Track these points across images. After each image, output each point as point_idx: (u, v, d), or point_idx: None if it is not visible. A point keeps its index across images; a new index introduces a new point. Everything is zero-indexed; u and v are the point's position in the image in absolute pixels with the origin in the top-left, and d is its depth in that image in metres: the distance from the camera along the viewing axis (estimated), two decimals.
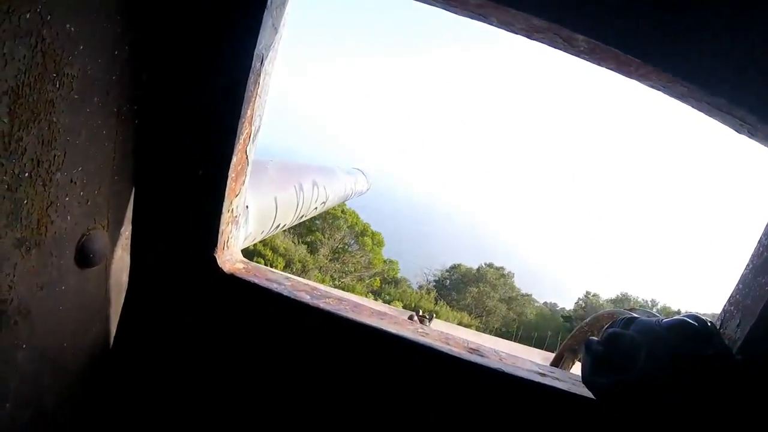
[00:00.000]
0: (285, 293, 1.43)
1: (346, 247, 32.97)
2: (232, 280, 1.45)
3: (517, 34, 1.32)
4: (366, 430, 1.45)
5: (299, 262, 27.87)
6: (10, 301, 1.08)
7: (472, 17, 1.31)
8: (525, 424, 1.38)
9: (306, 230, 31.48)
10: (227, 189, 1.38)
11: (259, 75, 1.37)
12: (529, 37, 1.32)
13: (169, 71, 1.34)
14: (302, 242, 30.05)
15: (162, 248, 1.44)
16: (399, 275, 36.33)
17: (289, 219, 2.99)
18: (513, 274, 44.53)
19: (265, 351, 1.47)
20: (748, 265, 1.31)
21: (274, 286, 1.45)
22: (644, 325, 1.23)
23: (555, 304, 46.80)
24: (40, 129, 1.03)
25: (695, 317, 1.22)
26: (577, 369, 1.52)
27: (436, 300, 34.36)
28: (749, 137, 1.28)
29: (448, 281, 43.15)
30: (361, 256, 32.11)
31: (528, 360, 1.50)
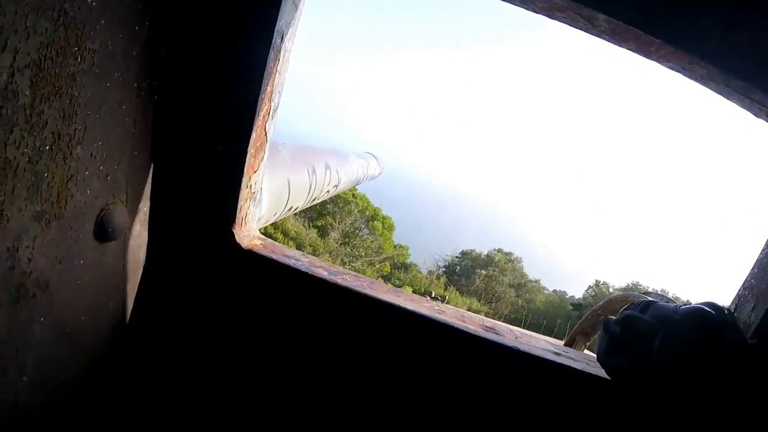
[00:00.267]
0: (303, 269, 1.44)
1: (357, 231, 32.95)
2: (250, 255, 1.46)
3: (537, 13, 1.31)
4: (382, 406, 1.47)
5: (310, 246, 27.90)
6: (29, 273, 1.09)
7: None
8: (539, 402, 1.39)
9: (317, 214, 31.48)
10: (246, 165, 1.39)
11: (279, 51, 1.37)
12: (549, 16, 1.30)
13: (189, 46, 1.34)
14: (313, 226, 30.06)
15: (180, 224, 1.45)
16: (409, 260, 36.30)
17: (301, 201, 3.00)
18: (521, 258, 44.38)
19: (283, 327, 1.49)
20: (764, 249, 1.30)
21: (291, 262, 1.46)
22: (661, 311, 1.23)
23: (564, 292, 46.57)
24: (61, 102, 1.03)
25: (713, 305, 1.22)
26: (588, 352, 1.52)
27: (445, 285, 34.31)
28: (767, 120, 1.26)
29: (458, 267, 43.10)
30: (371, 241, 32.09)
31: (543, 339, 1.50)
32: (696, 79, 1.27)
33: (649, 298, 1.33)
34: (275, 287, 1.47)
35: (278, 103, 1.47)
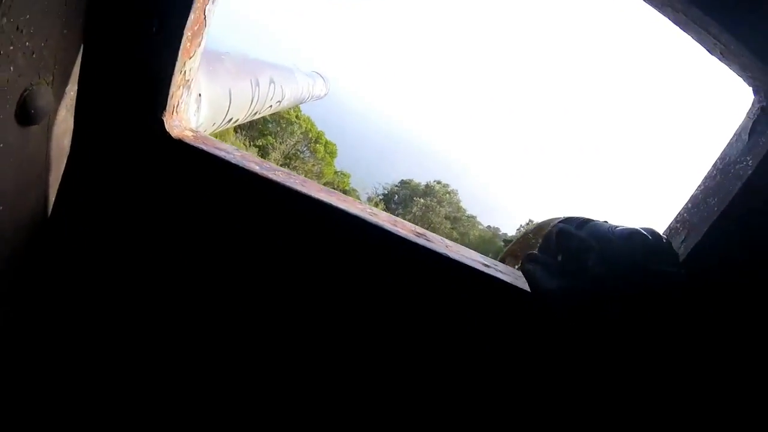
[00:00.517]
0: (233, 161, 1.39)
1: (299, 153, 32.54)
2: (180, 145, 1.39)
3: None
4: (311, 302, 1.48)
5: None
6: None
7: None
8: (470, 311, 1.43)
9: (258, 133, 30.72)
10: (181, 48, 1.30)
11: None
12: None
13: None
14: (254, 145, 29.35)
15: (108, 110, 1.36)
16: (349, 187, 36.42)
17: (242, 114, 2.91)
18: (457, 191, 45.37)
19: (211, 220, 1.46)
20: (699, 186, 1.36)
21: (222, 154, 1.40)
22: (597, 229, 1.19)
23: (498, 228, 48.30)
24: None
25: (651, 231, 1.17)
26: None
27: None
28: (720, 59, 1.28)
29: (396, 196, 43.67)
30: (312, 164, 31.84)
31: (472, 251, 1.53)
32: (655, 6, 1.25)
33: (585, 217, 1.29)
34: (204, 179, 1.42)
35: None
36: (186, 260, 1.49)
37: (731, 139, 1.32)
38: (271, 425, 1.55)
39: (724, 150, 1.33)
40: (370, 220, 1.40)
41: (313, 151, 32.65)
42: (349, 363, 1.49)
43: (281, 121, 30.97)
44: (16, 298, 1.43)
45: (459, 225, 41.64)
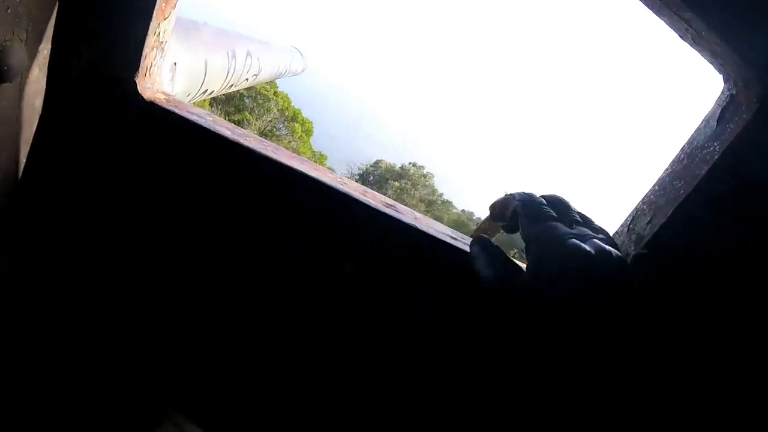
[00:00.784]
0: (205, 125, 1.39)
1: (275, 130, 32.09)
2: (152, 107, 1.38)
3: None
4: (281, 271, 1.50)
5: None
6: None
7: None
8: (437, 281, 1.44)
9: (234, 108, 30.20)
10: (156, 8, 1.29)
11: None
12: None
13: None
14: (229, 120, 28.84)
15: (81, 70, 1.35)
16: (325, 167, 36.06)
17: (217, 85, 2.88)
18: (433, 175, 45.42)
19: (182, 184, 1.46)
20: (667, 169, 1.39)
21: (194, 118, 1.40)
22: (552, 231, 1.07)
23: (472, 213, 48.41)
24: None
25: (608, 255, 1.01)
26: None
27: None
28: (692, 45, 1.28)
29: (371, 176, 43.53)
30: (288, 142, 31.41)
31: (441, 224, 1.54)
32: None
33: (549, 212, 1.14)
34: (176, 143, 1.42)
35: None
36: (158, 223, 1.50)
37: (700, 124, 1.34)
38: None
39: (692, 135, 1.35)
40: (340, 189, 1.41)
41: (290, 130, 32.24)
42: (313, 331, 1.52)
43: (258, 96, 30.47)
44: None
45: (434, 208, 41.74)
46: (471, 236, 1.92)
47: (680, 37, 1.29)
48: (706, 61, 1.31)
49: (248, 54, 3.29)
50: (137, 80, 1.35)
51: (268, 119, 31.01)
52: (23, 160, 1.38)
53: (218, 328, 1.55)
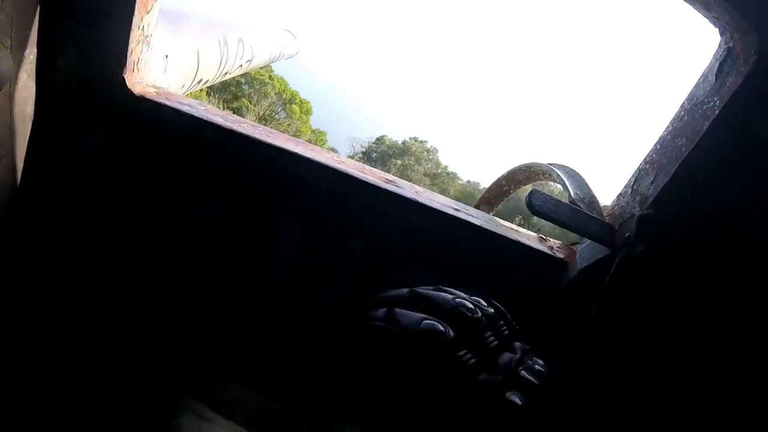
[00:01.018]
0: (197, 115, 1.38)
1: (274, 114, 32.00)
2: (143, 101, 1.38)
3: None
4: (281, 253, 1.50)
5: None
6: None
7: None
8: (441, 253, 1.45)
9: (232, 96, 30.10)
10: (137, 3, 1.28)
11: None
12: None
13: None
14: (228, 108, 28.77)
15: (69, 72, 1.34)
16: (327, 146, 36.05)
17: (211, 75, 2.86)
18: (437, 149, 45.27)
19: (179, 175, 1.46)
20: (667, 127, 1.36)
21: (186, 108, 1.39)
22: (409, 319, 0.98)
23: (478, 183, 48.14)
24: None
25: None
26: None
27: None
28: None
29: (374, 153, 43.41)
30: (288, 124, 31.32)
31: (443, 197, 1.53)
32: None
33: (429, 292, 1.09)
34: (170, 135, 1.42)
35: None
36: (158, 217, 1.50)
37: (698, 80, 1.31)
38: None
39: (691, 91, 1.32)
40: (338, 168, 1.40)
41: (289, 112, 32.13)
42: (318, 314, 1.53)
43: (254, 82, 30.34)
44: None
45: (439, 181, 41.67)
46: (475, 206, 1.89)
47: None
48: (701, 15, 1.26)
49: (240, 40, 3.26)
50: (125, 76, 1.35)
51: (267, 104, 30.90)
52: (20, 166, 1.39)
53: (225, 317, 1.56)
